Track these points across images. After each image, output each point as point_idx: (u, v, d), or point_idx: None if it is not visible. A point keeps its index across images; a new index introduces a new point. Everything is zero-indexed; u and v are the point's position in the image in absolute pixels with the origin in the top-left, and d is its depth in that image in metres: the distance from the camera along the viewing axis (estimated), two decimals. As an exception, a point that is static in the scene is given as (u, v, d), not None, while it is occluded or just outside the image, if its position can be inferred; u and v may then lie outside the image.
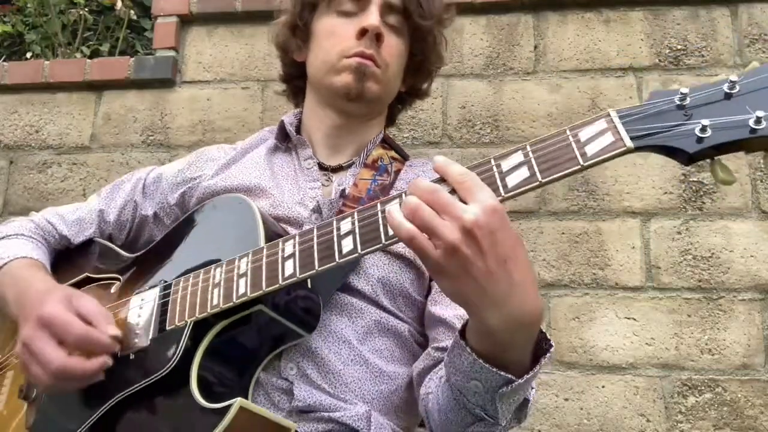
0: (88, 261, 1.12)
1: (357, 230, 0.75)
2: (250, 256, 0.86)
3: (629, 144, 0.65)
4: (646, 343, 1.76)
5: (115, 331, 0.87)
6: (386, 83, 1.10)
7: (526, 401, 0.83)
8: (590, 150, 0.67)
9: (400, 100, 1.24)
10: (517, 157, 0.70)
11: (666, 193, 1.85)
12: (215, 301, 0.86)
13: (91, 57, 2.32)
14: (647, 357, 1.75)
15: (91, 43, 2.42)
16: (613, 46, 1.97)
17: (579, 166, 0.67)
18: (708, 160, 0.65)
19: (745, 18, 1.94)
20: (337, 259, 0.76)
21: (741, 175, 1.83)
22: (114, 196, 1.19)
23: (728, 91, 0.65)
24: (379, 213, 0.74)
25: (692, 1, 1.96)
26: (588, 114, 1.94)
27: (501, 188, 0.69)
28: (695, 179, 1.85)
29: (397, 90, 1.18)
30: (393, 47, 1.09)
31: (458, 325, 0.84)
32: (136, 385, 0.86)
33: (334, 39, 1.07)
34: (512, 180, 0.69)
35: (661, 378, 1.74)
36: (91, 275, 1.09)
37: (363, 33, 1.04)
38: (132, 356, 0.91)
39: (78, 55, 2.34)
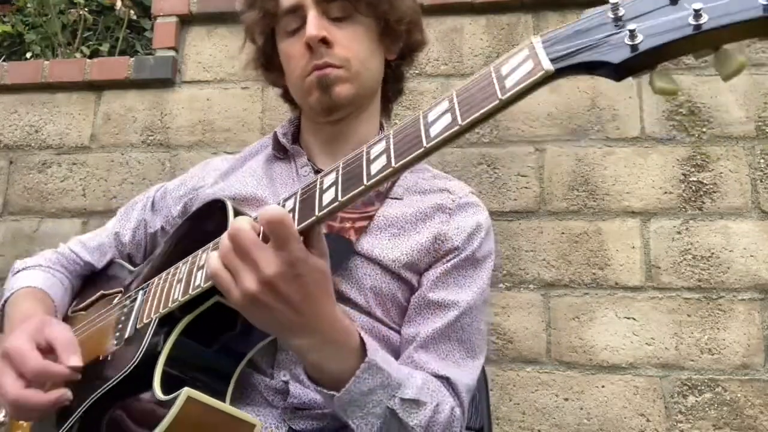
0: (107, 280, 1.17)
1: (297, 207, 0.74)
2: (209, 248, 0.86)
3: (548, 67, 0.57)
4: (646, 343, 1.76)
5: (76, 361, 0.87)
6: (356, 76, 1.05)
7: (394, 414, 0.84)
8: (509, 82, 0.59)
9: (397, 67, 1.19)
10: (443, 105, 0.64)
11: (666, 192, 1.85)
12: (176, 296, 0.86)
13: (90, 57, 2.32)
14: (647, 357, 1.75)
15: (90, 43, 2.42)
16: (612, 46, 1.97)
17: (497, 101, 0.59)
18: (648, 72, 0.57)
19: (745, 18, 1.94)
20: None
21: (741, 175, 1.83)
22: (128, 217, 1.22)
23: None
24: (317, 190, 0.72)
25: (692, 1, 1.96)
26: (588, 114, 1.94)
27: (424, 139, 0.63)
28: (695, 179, 1.85)
29: (380, 69, 1.14)
30: (349, 37, 1.05)
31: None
32: (106, 385, 0.87)
33: (292, 62, 1.07)
34: (435, 129, 0.63)
35: (661, 378, 1.74)
36: (105, 292, 1.12)
37: (310, 48, 1.03)
38: (109, 357, 0.92)
39: (78, 55, 2.34)
